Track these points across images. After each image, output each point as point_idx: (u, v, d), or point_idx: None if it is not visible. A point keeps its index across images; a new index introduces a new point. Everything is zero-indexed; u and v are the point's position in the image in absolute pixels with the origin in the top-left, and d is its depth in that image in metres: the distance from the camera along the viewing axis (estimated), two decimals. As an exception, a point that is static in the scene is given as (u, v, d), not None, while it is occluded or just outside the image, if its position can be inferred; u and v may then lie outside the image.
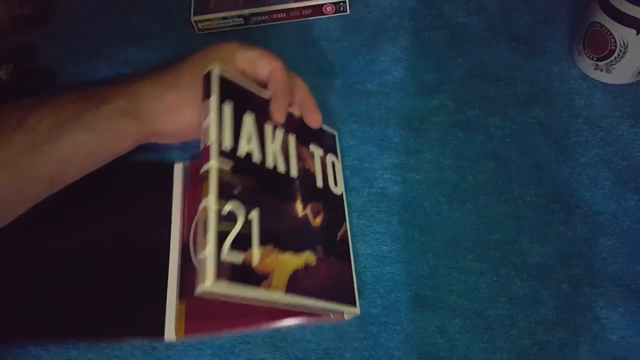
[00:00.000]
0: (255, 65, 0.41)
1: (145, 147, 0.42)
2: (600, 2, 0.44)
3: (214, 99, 0.36)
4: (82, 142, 0.37)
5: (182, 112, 0.40)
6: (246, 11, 0.55)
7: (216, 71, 0.37)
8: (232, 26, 0.56)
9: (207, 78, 0.37)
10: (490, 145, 0.46)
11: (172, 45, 0.56)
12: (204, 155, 0.34)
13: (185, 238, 0.43)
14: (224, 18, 0.55)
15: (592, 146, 0.45)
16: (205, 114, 0.36)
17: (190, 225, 0.43)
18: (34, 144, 0.36)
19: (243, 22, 0.56)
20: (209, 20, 0.55)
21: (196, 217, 0.40)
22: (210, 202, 0.32)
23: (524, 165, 0.45)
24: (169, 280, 0.41)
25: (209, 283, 0.30)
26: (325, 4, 0.55)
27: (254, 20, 0.56)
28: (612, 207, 0.42)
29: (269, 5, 0.55)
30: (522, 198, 0.43)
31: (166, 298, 0.40)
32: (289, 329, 0.40)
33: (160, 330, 0.39)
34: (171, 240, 0.43)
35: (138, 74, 0.41)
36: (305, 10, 0.55)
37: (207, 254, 0.31)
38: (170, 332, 0.39)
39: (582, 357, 0.37)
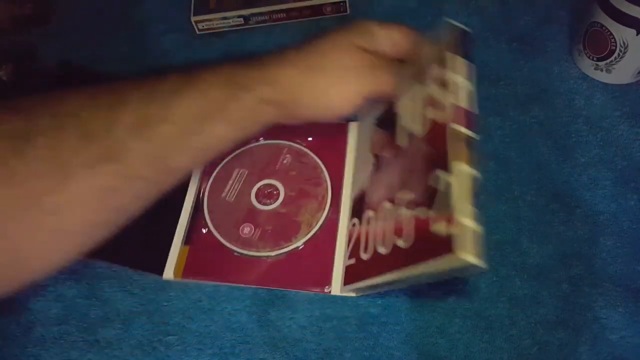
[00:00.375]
0: (395, 42, 0.39)
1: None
2: (600, 2, 0.44)
3: (460, 61, 0.34)
4: (223, 133, 0.35)
5: (329, 95, 0.37)
6: (246, 11, 0.55)
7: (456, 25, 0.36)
8: (232, 26, 0.56)
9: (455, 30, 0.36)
10: (490, 145, 0.46)
11: (173, 46, 0.56)
12: (457, 116, 0.32)
13: (204, 188, 0.46)
14: (224, 18, 0.55)
15: (592, 146, 0.45)
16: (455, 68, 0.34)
17: (209, 177, 0.46)
18: (179, 136, 0.33)
19: (243, 22, 0.56)
20: (209, 20, 0.55)
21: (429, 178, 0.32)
22: (467, 168, 0.29)
23: (524, 165, 0.45)
24: (178, 225, 0.44)
25: (471, 258, 0.26)
26: (325, 4, 0.55)
27: (254, 20, 0.56)
28: (612, 207, 0.42)
29: (268, 5, 0.55)
30: (522, 198, 0.43)
31: (172, 241, 0.43)
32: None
33: (160, 269, 0.42)
34: (189, 188, 0.45)
35: (269, 54, 0.38)
36: (305, 11, 0.55)
37: (466, 225, 0.27)
38: (169, 272, 0.42)
39: (582, 357, 0.37)
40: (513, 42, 0.52)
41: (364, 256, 0.38)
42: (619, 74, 0.47)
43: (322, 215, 0.44)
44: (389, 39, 0.39)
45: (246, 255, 0.42)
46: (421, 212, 0.31)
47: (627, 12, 0.42)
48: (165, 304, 0.41)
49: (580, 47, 0.48)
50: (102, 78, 0.52)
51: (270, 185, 0.45)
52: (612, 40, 0.44)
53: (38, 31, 0.57)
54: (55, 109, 0.31)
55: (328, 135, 0.47)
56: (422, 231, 0.31)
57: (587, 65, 0.48)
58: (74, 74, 0.52)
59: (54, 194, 0.30)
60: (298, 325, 0.40)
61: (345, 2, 0.55)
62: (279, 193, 0.45)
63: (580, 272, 0.40)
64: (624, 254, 0.40)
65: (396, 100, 0.40)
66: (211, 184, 0.46)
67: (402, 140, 0.38)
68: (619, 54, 0.45)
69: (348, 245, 0.41)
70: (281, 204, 0.45)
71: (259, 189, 0.45)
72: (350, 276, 0.39)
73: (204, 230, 0.44)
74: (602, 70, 0.47)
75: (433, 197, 0.30)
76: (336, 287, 0.41)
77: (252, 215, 0.44)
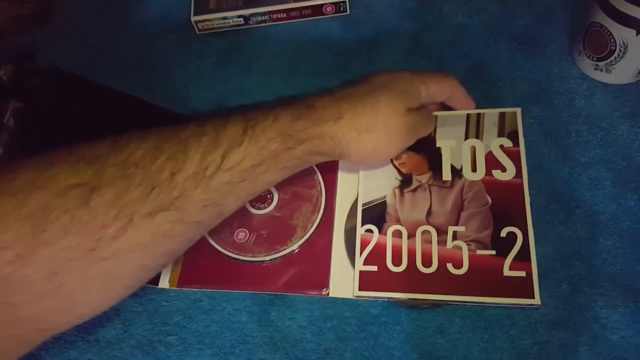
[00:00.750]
0: (435, 94, 0.43)
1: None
2: (600, 2, 0.44)
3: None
4: (273, 179, 0.37)
5: (376, 153, 0.40)
6: (246, 11, 0.55)
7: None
8: (232, 26, 0.56)
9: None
10: (490, 145, 0.46)
11: (173, 45, 0.56)
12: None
13: None
14: (224, 18, 0.55)
15: (592, 146, 0.45)
16: None
17: None
18: (232, 182, 0.34)
19: (243, 22, 0.56)
20: (209, 20, 0.55)
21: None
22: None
23: (524, 165, 0.45)
24: None
25: (539, 300, 0.38)
26: (325, 4, 0.55)
27: (254, 20, 0.56)
28: (612, 207, 0.42)
29: (268, 5, 0.55)
30: (522, 198, 0.43)
31: None
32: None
33: (155, 278, 0.42)
34: None
35: (323, 99, 0.39)
36: (305, 11, 0.55)
37: (535, 273, 0.38)
38: (164, 281, 0.42)
39: (582, 357, 0.37)
40: (513, 42, 0.52)
41: (395, 269, 0.40)
42: (619, 74, 0.47)
43: (316, 217, 0.44)
44: (435, 96, 0.43)
45: (242, 260, 0.42)
46: (486, 252, 0.39)
47: (627, 12, 0.42)
48: (165, 304, 0.41)
49: (580, 47, 0.48)
50: (90, 85, 0.52)
51: None
52: (612, 40, 0.44)
53: (38, 31, 0.57)
54: (121, 158, 0.32)
55: None
56: (492, 271, 0.39)
57: (587, 66, 0.48)
58: (61, 79, 0.52)
59: (113, 242, 0.31)
60: (298, 325, 0.40)
61: (345, 2, 0.55)
62: (272, 197, 0.45)
63: (580, 272, 0.40)
64: (624, 254, 0.40)
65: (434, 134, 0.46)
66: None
67: (445, 175, 0.43)
68: (618, 54, 0.45)
69: (361, 251, 0.41)
70: (275, 207, 0.45)
71: None
72: (372, 284, 0.40)
73: None
74: (602, 70, 0.47)
75: (506, 247, 0.39)
76: (334, 289, 0.41)
77: (246, 220, 0.44)
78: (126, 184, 0.31)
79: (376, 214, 0.43)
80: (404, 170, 0.44)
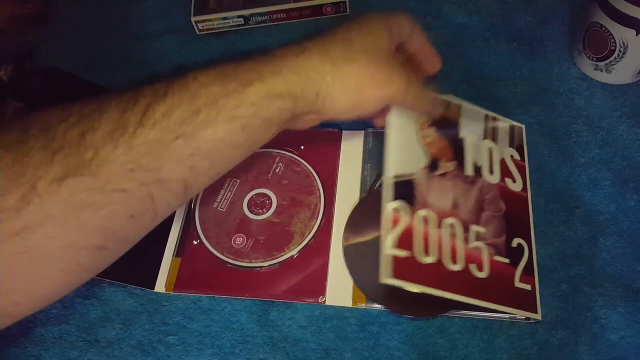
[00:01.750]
0: (405, 31, 0.37)
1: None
2: (600, 3, 0.44)
3: None
4: (223, 134, 0.30)
5: (361, 90, 0.33)
6: (246, 11, 0.55)
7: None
8: (232, 26, 0.56)
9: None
10: (490, 145, 0.46)
11: (173, 46, 0.56)
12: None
13: (195, 198, 0.45)
14: (224, 18, 0.55)
15: (592, 146, 0.45)
16: None
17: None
18: (162, 140, 0.29)
19: (243, 23, 0.56)
20: (209, 20, 0.55)
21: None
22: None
23: (523, 165, 0.45)
24: (169, 238, 0.43)
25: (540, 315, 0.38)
26: (325, 4, 0.55)
27: (254, 20, 0.56)
28: (612, 207, 0.42)
29: (268, 5, 0.55)
30: (522, 198, 0.43)
31: (164, 254, 0.43)
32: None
33: (152, 282, 0.42)
34: None
35: (282, 46, 0.32)
36: (305, 11, 0.55)
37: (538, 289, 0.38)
38: (160, 285, 0.42)
39: (582, 357, 0.37)
40: (513, 42, 0.52)
41: (424, 259, 0.35)
42: (619, 74, 0.47)
43: (315, 224, 0.43)
44: (403, 30, 0.37)
45: (239, 266, 0.42)
46: (502, 259, 0.38)
47: (626, 12, 0.42)
48: (165, 303, 0.41)
49: (580, 47, 0.48)
50: (86, 85, 0.52)
51: (263, 195, 0.45)
52: (612, 40, 0.44)
53: (38, 31, 0.57)
54: (26, 123, 0.28)
55: (320, 144, 0.47)
56: (506, 280, 0.38)
57: (586, 66, 0.48)
58: (58, 79, 0.52)
59: (18, 214, 0.27)
60: (298, 325, 0.40)
61: (345, 2, 0.55)
62: (271, 202, 0.45)
63: (580, 272, 0.40)
64: (624, 254, 0.41)
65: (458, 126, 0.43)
66: (202, 193, 0.45)
67: (468, 170, 0.41)
68: (618, 54, 0.45)
69: (392, 228, 0.36)
70: (274, 213, 0.44)
71: (251, 198, 0.45)
72: (404, 272, 0.35)
73: (195, 242, 0.43)
74: (601, 70, 0.47)
75: (517, 258, 0.39)
76: (330, 297, 0.40)
77: (244, 225, 0.44)
78: (26, 147, 0.27)
79: (406, 191, 0.38)
80: (431, 151, 0.40)
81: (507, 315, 0.38)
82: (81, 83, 0.51)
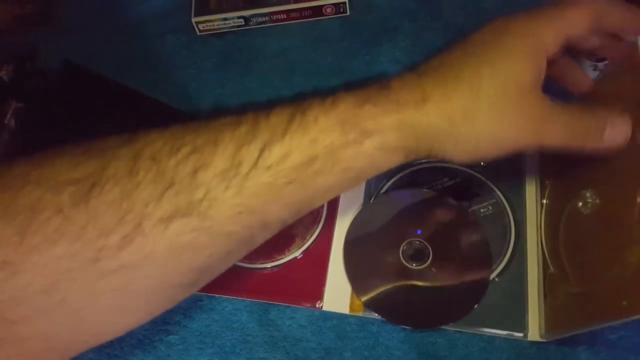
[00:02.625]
0: (568, 28, 0.29)
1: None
2: (599, 4, 0.44)
3: None
4: (333, 182, 0.29)
5: (481, 149, 0.29)
6: (246, 12, 0.55)
7: None
8: (233, 27, 0.56)
9: None
10: (489, 145, 0.46)
11: (173, 46, 0.56)
12: None
13: None
14: (225, 19, 0.55)
15: (591, 147, 0.45)
16: None
17: None
18: (275, 184, 0.27)
19: (243, 23, 0.56)
20: (209, 21, 0.55)
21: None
22: None
23: (523, 165, 0.45)
24: None
25: None
26: (325, 5, 0.55)
27: (255, 21, 0.56)
28: (611, 207, 0.43)
29: (269, 6, 0.55)
30: (521, 198, 0.43)
31: None
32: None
33: None
34: None
35: (401, 79, 0.29)
36: (306, 11, 0.55)
37: None
38: None
39: (581, 357, 0.37)
40: (512, 43, 0.52)
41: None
42: (618, 75, 0.47)
43: (317, 229, 0.43)
44: (570, 32, 0.29)
45: (239, 267, 0.42)
46: None
47: (625, 13, 0.42)
48: (165, 303, 0.41)
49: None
50: (104, 80, 0.51)
51: None
52: (611, 41, 0.44)
53: (38, 31, 0.57)
54: (133, 151, 0.26)
55: None
56: None
57: (586, 67, 0.48)
58: (75, 74, 0.52)
59: (119, 253, 0.25)
60: (298, 324, 0.40)
61: (345, 3, 0.55)
62: None
63: (579, 272, 0.40)
64: (623, 254, 0.41)
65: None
66: None
67: None
68: (617, 55, 0.45)
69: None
70: None
71: None
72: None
73: None
74: (601, 71, 0.47)
75: None
76: (328, 302, 0.40)
77: None
78: (135, 180, 0.25)
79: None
80: None
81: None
82: (97, 78, 0.51)
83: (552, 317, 0.37)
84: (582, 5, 0.29)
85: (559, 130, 0.29)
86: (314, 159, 0.27)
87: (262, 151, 0.27)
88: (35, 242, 0.24)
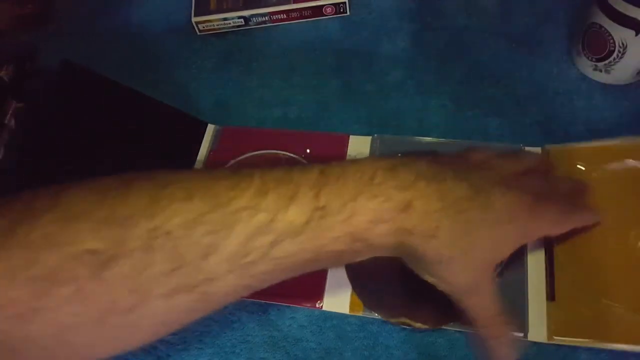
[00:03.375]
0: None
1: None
2: (599, 3, 0.44)
3: None
4: (327, 266, 0.32)
5: (464, 273, 0.32)
6: (246, 12, 0.55)
7: None
8: (233, 27, 0.56)
9: None
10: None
11: (173, 46, 0.56)
12: None
13: None
14: (225, 19, 0.55)
15: (591, 146, 0.45)
16: None
17: None
18: (276, 271, 0.29)
19: (243, 23, 0.56)
20: (209, 21, 0.55)
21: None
22: None
23: (523, 165, 0.45)
24: None
25: None
26: (325, 5, 0.55)
27: (255, 21, 0.56)
28: (611, 207, 0.43)
29: (269, 6, 0.55)
30: (521, 198, 0.43)
31: None
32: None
33: None
34: None
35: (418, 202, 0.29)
36: (306, 11, 0.55)
37: None
38: None
39: (581, 357, 0.37)
40: (512, 43, 0.52)
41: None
42: (618, 74, 0.47)
43: None
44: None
45: None
46: None
47: (625, 13, 0.42)
48: (165, 303, 0.41)
49: (579, 47, 0.48)
50: (104, 80, 0.51)
51: None
52: (611, 41, 0.44)
53: (38, 31, 0.57)
54: (153, 223, 0.27)
55: (327, 147, 0.47)
56: None
57: (586, 66, 0.49)
58: (75, 74, 0.52)
59: (124, 314, 0.27)
60: (298, 324, 0.40)
61: (345, 3, 0.55)
62: None
63: (579, 271, 0.40)
64: (623, 254, 0.41)
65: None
66: None
67: None
68: (617, 55, 0.45)
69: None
70: None
71: None
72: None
73: None
74: (601, 71, 0.47)
75: None
76: (328, 303, 0.40)
77: None
78: (149, 258, 0.27)
79: None
80: None
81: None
82: (97, 78, 0.51)
83: (562, 322, 0.37)
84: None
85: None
86: (316, 260, 0.29)
87: (272, 246, 0.28)
88: (47, 302, 0.26)
